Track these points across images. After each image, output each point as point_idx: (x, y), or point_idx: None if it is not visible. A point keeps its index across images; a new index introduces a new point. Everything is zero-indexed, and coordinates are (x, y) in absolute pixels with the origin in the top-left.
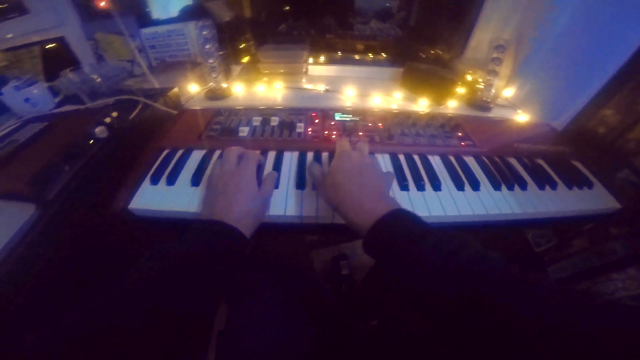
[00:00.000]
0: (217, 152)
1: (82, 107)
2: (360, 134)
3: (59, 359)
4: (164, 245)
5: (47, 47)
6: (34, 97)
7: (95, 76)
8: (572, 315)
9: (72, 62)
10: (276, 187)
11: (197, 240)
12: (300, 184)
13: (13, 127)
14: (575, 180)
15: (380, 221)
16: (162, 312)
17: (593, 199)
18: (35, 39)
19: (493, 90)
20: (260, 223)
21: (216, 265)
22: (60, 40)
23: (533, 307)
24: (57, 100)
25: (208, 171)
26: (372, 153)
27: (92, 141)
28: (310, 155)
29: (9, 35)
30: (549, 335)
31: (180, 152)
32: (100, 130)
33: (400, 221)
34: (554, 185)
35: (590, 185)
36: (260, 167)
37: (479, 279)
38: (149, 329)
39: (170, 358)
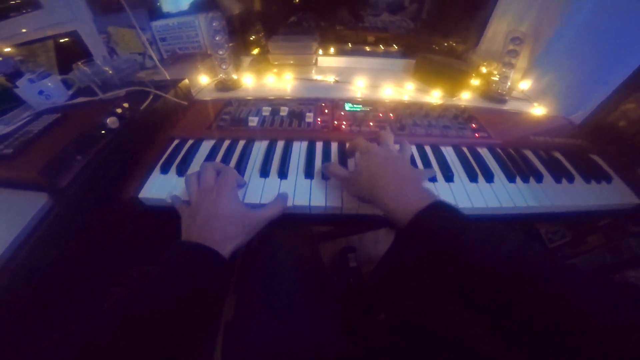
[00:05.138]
0: (227, 142)
1: (94, 98)
2: (371, 124)
3: None
4: (142, 267)
5: (60, 41)
6: (47, 90)
7: (107, 68)
8: (618, 300)
9: (85, 56)
10: (285, 177)
11: (173, 264)
12: (309, 173)
13: (27, 118)
14: (593, 174)
15: (424, 211)
16: (138, 335)
17: (612, 194)
18: (49, 33)
19: (508, 83)
20: (247, 239)
21: (191, 288)
22: (73, 35)
23: (581, 292)
24: (70, 92)
25: (217, 160)
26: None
27: (103, 131)
28: (319, 145)
29: (23, 30)
30: (596, 319)
31: (190, 142)
32: (111, 121)
33: (445, 213)
34: (571, 179)
35: (609, 179)
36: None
37: (525, 265)
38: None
39: None
